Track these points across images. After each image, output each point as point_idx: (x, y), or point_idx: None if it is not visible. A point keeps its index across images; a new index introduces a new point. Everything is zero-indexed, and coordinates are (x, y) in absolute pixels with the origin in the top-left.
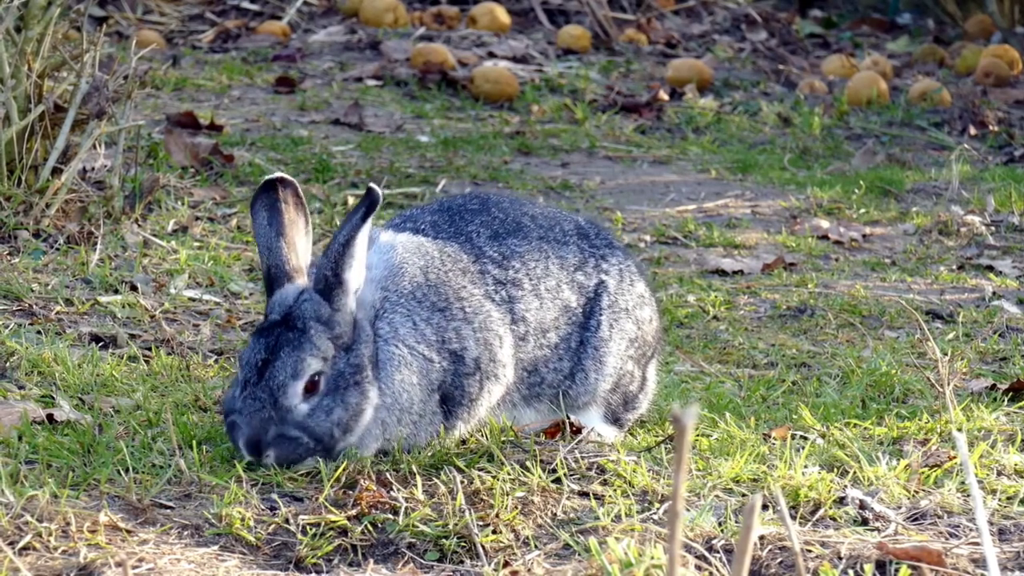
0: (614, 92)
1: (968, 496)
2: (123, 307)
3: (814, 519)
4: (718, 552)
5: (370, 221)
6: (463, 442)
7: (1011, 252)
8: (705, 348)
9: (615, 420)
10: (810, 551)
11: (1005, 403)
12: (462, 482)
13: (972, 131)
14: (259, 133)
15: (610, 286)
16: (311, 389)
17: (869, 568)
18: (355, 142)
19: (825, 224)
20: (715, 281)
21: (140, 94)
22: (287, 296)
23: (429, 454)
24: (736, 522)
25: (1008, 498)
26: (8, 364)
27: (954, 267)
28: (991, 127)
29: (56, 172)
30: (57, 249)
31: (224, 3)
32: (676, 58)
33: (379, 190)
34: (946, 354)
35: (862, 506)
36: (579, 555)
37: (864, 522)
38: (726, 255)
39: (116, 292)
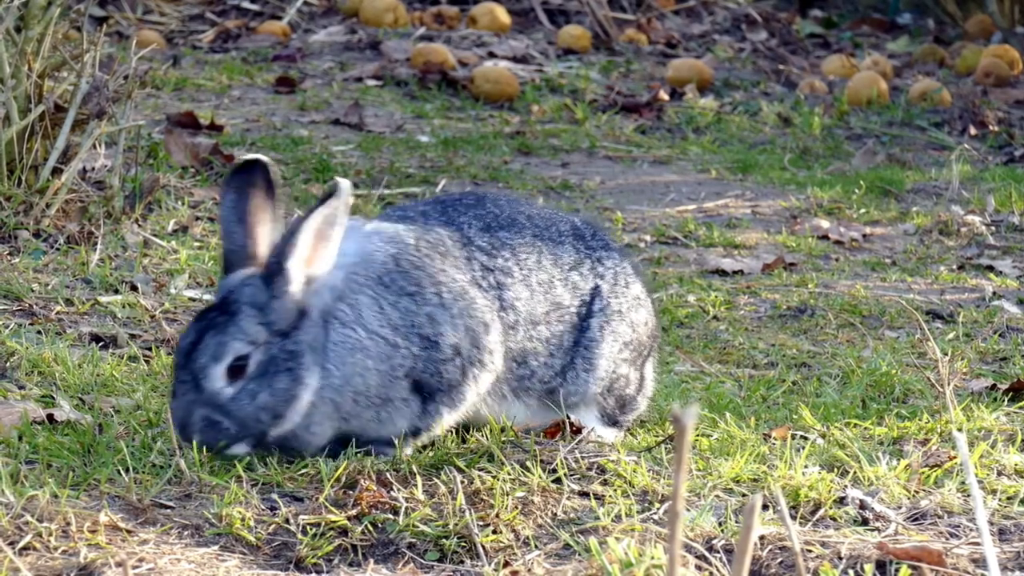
0: (614, 92)
1: (968, 496)
2: (123, 307)
3: (814, 519)
4: (718, 552)
5: (321, 213)
6: (463, 442)
7: (1011, 252)
8: (705, 348)
9: (613, 422)
10: (810, 551)
11: (1005, 403)
12: (462, 482)
13: (972, 131)
14: (259, 133)
15: (603, 289)
16: (237, 374)
17: (869, 568)
18: (355, 142)
19: (825, 224)
20: (715, 281)
21: (140, 94)
22: (232, 281)
23: (429, 454)
24: (736, 522)
25: (1008, 498)
26: (8, 364)
27: (954, 267)
28: (991, 127)
29: (56, 172)
30: (57, 249)
31: (224, 3)
32: (676, 58)
33: (346, 184)
34: (946, 354)
35: (862, 506)
36: (579, 555)
37: (864, 522)
38: (726, 255)
39: (116, 292)
